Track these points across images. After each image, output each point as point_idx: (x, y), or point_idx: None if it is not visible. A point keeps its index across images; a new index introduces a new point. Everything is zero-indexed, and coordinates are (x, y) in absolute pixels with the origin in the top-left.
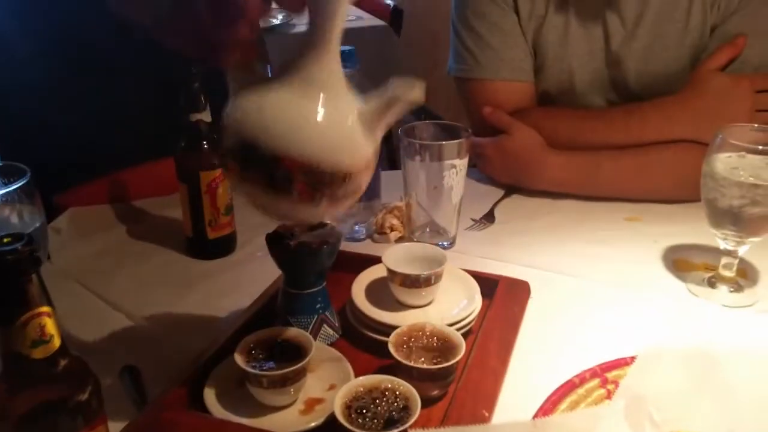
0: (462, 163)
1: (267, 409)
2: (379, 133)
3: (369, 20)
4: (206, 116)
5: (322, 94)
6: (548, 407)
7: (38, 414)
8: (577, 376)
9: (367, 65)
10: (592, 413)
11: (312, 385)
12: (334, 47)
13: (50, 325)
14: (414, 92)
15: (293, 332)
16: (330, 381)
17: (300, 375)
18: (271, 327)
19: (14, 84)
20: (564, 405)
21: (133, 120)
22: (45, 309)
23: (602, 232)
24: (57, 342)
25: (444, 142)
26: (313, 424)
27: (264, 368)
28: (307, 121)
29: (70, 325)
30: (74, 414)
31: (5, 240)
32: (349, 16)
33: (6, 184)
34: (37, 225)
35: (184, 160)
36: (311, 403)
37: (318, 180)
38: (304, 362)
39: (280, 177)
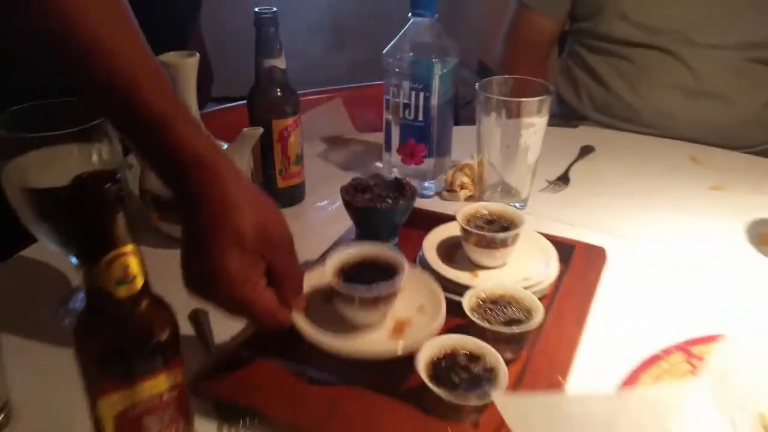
0: (541, 122)
1: (356, 328)
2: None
3: None
4: (281, 63)
5: None
6: (631, 380)
7: (118, 352)
8: (663, 350)
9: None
10: (677, 388)
11: (400, 306)
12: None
13: (134, 265)
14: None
15: (385, 252)
16: (418, 302)
17: (392, 295)
18: (360, 244)
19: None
20: (647, 378)
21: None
22: (129, 248)
23: (684, 200)
24: (140, 282)
25: (524, 99)
26: (400, 353)
27: (354, 287)
28: None
29: None
30: (153, 354)
31: (92, 177)
32: None
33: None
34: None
35: (256, 107)
36: (400, 325)
37: None
38: (397, 280)
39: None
